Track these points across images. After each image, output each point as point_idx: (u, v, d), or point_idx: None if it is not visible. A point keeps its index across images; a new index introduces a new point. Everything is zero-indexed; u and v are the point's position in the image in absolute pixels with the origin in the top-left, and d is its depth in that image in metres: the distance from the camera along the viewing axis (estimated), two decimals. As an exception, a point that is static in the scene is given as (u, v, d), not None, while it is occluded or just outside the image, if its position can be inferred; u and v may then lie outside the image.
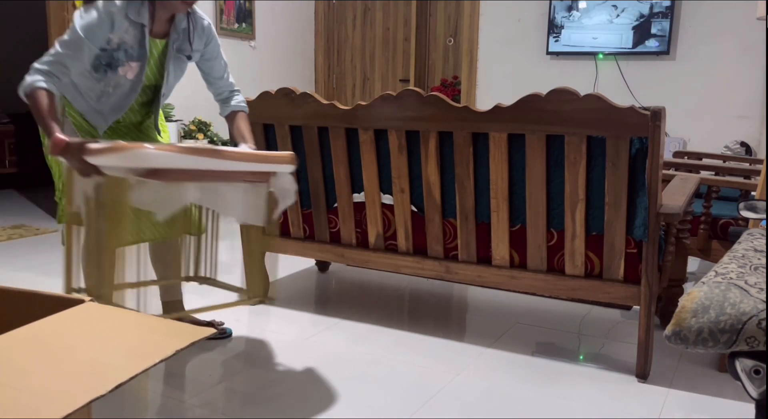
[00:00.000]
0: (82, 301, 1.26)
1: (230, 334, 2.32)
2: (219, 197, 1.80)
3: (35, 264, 3.35)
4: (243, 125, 2.14)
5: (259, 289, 2.05)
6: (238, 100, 2.20)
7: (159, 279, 2.26)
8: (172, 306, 2.26)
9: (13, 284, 1.27)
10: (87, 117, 2.03)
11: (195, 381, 2.01)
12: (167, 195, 1.70)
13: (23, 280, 2.97)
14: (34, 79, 1.80)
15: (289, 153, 1.85)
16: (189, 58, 2.08)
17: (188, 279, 2.16)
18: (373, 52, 5.96)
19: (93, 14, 1.84)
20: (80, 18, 1.84)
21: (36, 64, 1.83)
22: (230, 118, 2.18)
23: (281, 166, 1.82)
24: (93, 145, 1.64)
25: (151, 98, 2.14)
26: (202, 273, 2.12)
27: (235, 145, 2.07)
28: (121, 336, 1.16)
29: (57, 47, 1.83)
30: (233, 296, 2.13)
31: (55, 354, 1.06)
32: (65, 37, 1.84)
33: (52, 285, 2.96)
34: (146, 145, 1.63)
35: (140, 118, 2.17)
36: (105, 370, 1.01)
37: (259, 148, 2.55)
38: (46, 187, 5.92)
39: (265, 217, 1.87)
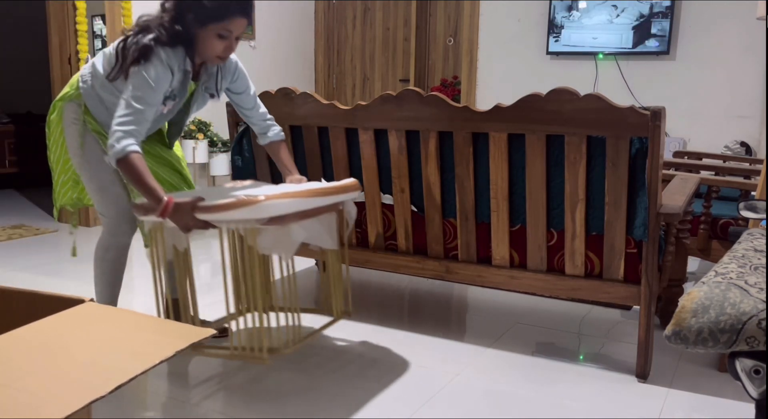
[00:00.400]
0: (81, 301, 1.26)
1: (227, 334, 2.33)
2: (316, 231, 1.95)
3: (35, 264, 3.35)
4: (285, 156, 2.26)
5: (341, 306, 2.20)
6: (276, 131, 2.27)
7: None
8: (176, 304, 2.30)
9: (13, 284, 1.27)
10: (105, 129, 2.03)
11: (198, 379, 2.01)
12: (285, 238, 1.83)
13: (23, 280, 2.97)
14: (125, 144, 1.82)
15: (355, 181, 2.06)
16: (212, 96, 2.14)
17: (273, 309, 2.22)
18: (373, 52, 5.96)
19: (158, 67, 1.87)
20: (145, 72, 1.85)
21: (120, 128, 1.83)
22: (271, 148, 2.27)
23: (353, 194, 2.05)
24: (213, 203, 1.76)
25: (168, 127, 2.24)
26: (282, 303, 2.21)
27: (278, 174, 2.23)
28: (121, 336, 1.16)
29: (134, 104, 1.84)
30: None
31: (54, 355, 1.07)
32: (138, 92, 1.85)
33: (52, 285, 2.96)
34: (260, 196, 1.74)
35: (155, 141, 2.23)
36: (105, 371, 1.01)
37: (258, 149, 2.56)
38: (46, 187, 5.92)
39: (338, 241, 2.08)
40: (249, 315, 1.93)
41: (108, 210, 2.08)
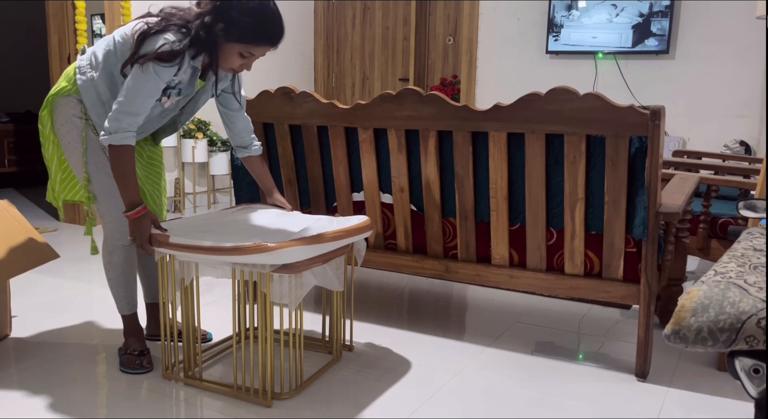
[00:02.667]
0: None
1: (210, 339, 2.34)
2: (326, 276, 1.93)
3: (35, 264, 3.34)
4: (267, 174, 2.27)
5: (340, 346, 2.20)
6: (258, 145, 2.27)
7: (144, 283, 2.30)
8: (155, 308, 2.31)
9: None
10: (99, 129, 1.99)
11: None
12: (297, 285, 1.80)
13: (23, 279, 2.97)
14: (125, 136, 1.82)
15: (369, 220, 2.04)
16: (213, 96, 2.13)
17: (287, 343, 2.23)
18: (373, 51, 5.96)
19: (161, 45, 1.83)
20: (153, 63, 1.82)
21: (121, 114, 1.82)
22: (252, 163, 2.26)
23: (365, 233, 2.00)
24: (232, 245, 1.73)
25: (166, 124, 2.21)
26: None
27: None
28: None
29: (133, 91, 1.82)
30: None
31: None
32: (140, 82, 1.82)
33: (52, 284, 2.96)
34: (284, 242, 1.72)
35: (148, 140, 2.22)
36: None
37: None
38: (45, 186, 5.93)
39: (344, 282, 2.07)
40: (251, 348, 1.90)
41: (110, 214, 2.03)
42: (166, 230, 1.88)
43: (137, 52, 1.83)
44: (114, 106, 1.84)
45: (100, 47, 1.98)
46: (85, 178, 2.03)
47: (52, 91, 2.02)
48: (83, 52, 2.03)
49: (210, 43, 1.87)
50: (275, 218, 2.10)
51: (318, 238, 1.78)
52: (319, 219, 2.05)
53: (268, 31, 1.87)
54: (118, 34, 1.95)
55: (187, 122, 2.21)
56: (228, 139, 4.28)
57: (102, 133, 1.85)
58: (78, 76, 1.98)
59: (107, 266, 2.09)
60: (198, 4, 1.89)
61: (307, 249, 1.75)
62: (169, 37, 1.84)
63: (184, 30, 1.86)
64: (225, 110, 2.18)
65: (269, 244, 1.70)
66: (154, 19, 1.90)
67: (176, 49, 1.83)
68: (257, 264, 1.75)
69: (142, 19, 1.92)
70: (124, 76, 1.89)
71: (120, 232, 2.04)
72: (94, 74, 1.97)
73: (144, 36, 1.85)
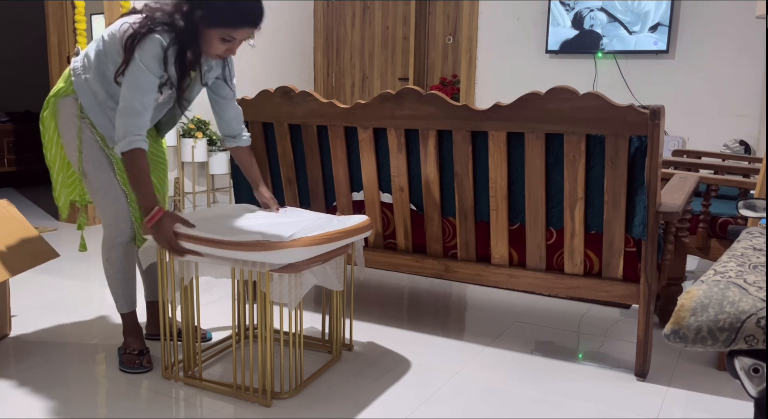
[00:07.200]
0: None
1: (210, 338, 2.33)
2: (325, 275, 1.92)
3: (34, 263, 3.34)
4: (255, 166, 2.26)
5: (340, 345, 2.20)
6: (247, 136, 2.27)
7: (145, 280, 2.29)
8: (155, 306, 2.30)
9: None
10: (98, 128, 2.01)
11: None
12: (297, 287, 1.79)
13: (22, 279, 2.97)
14: (131, 139, 1.81)
15: (368, 219, 2.03)
16: (205, 84, 2.12)
17: (286, 343, 2.23)
18: (372, 51, 5.96)
19: (151, 51, 1.84)
20: (140, 59, 1.83)
21: (124, 119, 1.82)
22: (240, 153, 2.25)
23: (365, 233, 2.00)
24: (237, 239, 1.73)
25: (164, 119, 2.20)
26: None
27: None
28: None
29: (133, 92, 1.82)
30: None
31: None
32: (136, 80, 1.83)
33: (52, 283, 2.96)
34: (286, 241, 1.71)
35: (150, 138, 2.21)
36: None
37: (257, 147, 2.56)
38: (45, 186, 5.92)
39: (344, 281, 2.06)
40: (251, 347, 1.90)
41: (107, 211, 2.04)
42: (194, 226, 1.85)
43: (129, 58, 1.84)
44: (117, 116, 1.84)
45: (91, 48, 2.00)
46: (80, 174, 2.05)
47: (52, 92, 2.04)
48: (77, 53, 2.04)
49: (191, 31, 1.87)
50: (274, 216, 2.10)
51: (324, 237, 1.78)
52: (320, 218, 2.05)
53: (246, 13, 1.87)
54: (106, 32, 1.96)
55: (186, 113, 2.19)
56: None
57: (113, 146, 1.86)
58: (73, 77, 2.00)
59: (106, 264, 2.09)
60: None
61: (312, 248, 1.75)
62: (164, 40, 1.86)
63: (167, 27, 1.87)
64: (216, 97, 2.17)
65: (275, 241, 1.70)
66: (138, 18, 1.90)
67: (162, 30, 1.85)
68: (258, 263, 1.74)
69: (127, 19, 1.93)
70: (119, 84, 1.90)
71: (118, 229, 2.05)
72: (88, 75, 1.98)
73: (133, 39, 1.85)
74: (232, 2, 1.85)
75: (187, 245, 1.81)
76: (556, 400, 1.93)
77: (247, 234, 1.79)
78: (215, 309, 2.64)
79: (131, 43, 1.85)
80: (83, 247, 2.27)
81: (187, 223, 1.85)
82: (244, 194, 2.65)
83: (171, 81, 1.95)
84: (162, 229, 1.82)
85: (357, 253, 2.13)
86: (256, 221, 2.01)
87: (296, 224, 1.94)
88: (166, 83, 1.94)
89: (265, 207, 2.21)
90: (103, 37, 1.96)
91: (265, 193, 2.22)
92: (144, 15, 1.90)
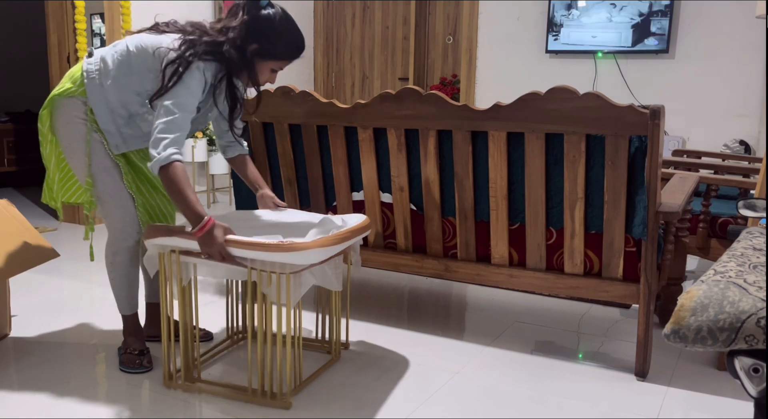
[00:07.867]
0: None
1: (212, 337, 2.34)
2: (324, 275, 1.92)
3: (34, 263, 3.34)
4: (256, 171, 2.27)
5: (339, 345, 2.20)
6: (246, 145, 2.28)
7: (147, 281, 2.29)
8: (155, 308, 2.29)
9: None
10: (106, 135, 1.99)
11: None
12: (295, 287, 1.79)
13: (22, 279, 2.97)
14: (169, 152, 1.80)
15: (367, 219, 2.03)
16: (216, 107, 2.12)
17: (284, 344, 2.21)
18: (372, 51, 5.96)
19: (196, 75, 1.86)
20: (186, 80, 1.84)
21: (163, 135, 1.81)
22: (239, 162, 2.26)
23: (367, 232, 2.00)
24: (253, 240, 1.73)
25: None
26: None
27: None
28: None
29: (174, 110, 1.82)
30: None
31: None
32: (178, 99, 1.83)
33: (52, 284, 2.96)
34: (306, 241, 1.72)
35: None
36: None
37: (257, 147, 2.56)
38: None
39: (341, 281, 2.06)
40: (249, 348, 1.90)
41: (113, 214, 2.02)
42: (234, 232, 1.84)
43: (167, 86, 1.84)
44: (157, 131, 1.82)
45: (108, 54, 1.97)
46: (88, 181, 2.01)
47: (55, 91, 1.99)
48: (90, 54, 2.00)
49: (242, 62, 1.92)
50: (287, 216, 2.11)
51: (332, 240, 1.78)
52: (320, 218, 2.05)
53: (299, 47, 1.98)
54: (132, 44, 1.94)
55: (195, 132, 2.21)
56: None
57: (148, 164, 1.85)
58: (86, 80, 1.96)
59: (110, 267, 2.07)
60: (225, 29, 1.90)
61: (331, 248, 1.77)
62: (210, 69, 1.89)
63: (209, 57, 1.88)
64: (219, 117, 2.18)
65: (297, 243, 1.70)
66: (177, 42, 1.89)
67: (205, 57, 1.88)
68: (277, 264, 1.73)
69: (161, 39, 1.91)
70: (153, 108, 1.89)
71: (124, 233, 2.03)
72: (105, 81, 1.96)
73: (178, 66, 1.84)
74: (286, 37, 1.94)
75: (234, 252, 1.79)
76: (556, 400, 1.93)
77: (269, 236, 1.79)
78: (215, 310, 2.64)
79: (176, 69, 1.84)
80: (92, 258, 2.25)
81: (230, 231, 1.82)
82: (244, 194, 2.65)
83: (200, 103, 1.97)
84: (213, 240, 1.77)
85: (354, 253, 2.13)
86: (260, 223, 2.01)
87: (303, 226, 1.94)
88: (199, 105, 1.97)
89: (265, 207, 2.21)
90: (128, 47, 1.94)
91: (268, 191, 2.22)
92: (181, 39, 1.89)
